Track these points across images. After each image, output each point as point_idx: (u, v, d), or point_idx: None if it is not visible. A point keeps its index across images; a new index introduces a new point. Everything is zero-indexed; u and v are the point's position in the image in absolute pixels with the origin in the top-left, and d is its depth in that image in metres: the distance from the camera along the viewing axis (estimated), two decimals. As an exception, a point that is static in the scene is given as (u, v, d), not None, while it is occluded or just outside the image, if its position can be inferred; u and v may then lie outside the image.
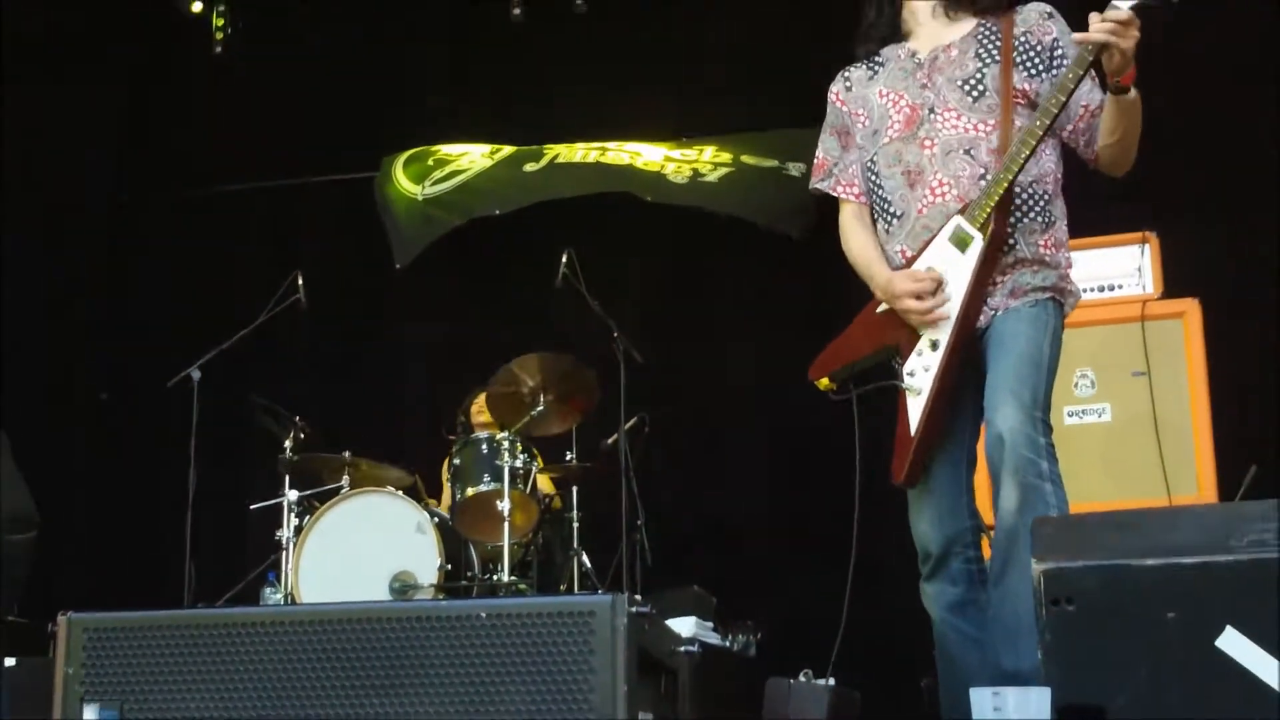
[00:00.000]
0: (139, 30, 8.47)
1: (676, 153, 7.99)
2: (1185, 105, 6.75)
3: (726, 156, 7.91)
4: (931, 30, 3.70)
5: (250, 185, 8.49)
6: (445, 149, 8.42)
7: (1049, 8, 3.62)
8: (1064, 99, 3.36)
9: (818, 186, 3.90)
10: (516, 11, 8.00)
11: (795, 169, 7.63)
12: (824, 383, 3.74)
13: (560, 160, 8.11)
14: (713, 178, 7.82)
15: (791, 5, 7.59)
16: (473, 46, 8.38)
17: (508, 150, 8.28)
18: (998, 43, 3.57)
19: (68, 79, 8.05)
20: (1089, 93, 3.54)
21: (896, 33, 3.79)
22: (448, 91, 8.47)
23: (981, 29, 3.63)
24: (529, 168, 8.14)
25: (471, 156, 8.32)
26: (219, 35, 8.45)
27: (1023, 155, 3.37)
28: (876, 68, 3.79)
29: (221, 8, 8.48)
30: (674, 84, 8.00)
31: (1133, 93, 3.38)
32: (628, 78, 7.99)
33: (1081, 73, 3.33)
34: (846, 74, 3.86)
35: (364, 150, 8.44)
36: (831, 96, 3.87)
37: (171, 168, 8.59)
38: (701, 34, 7.99)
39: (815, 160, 3.91)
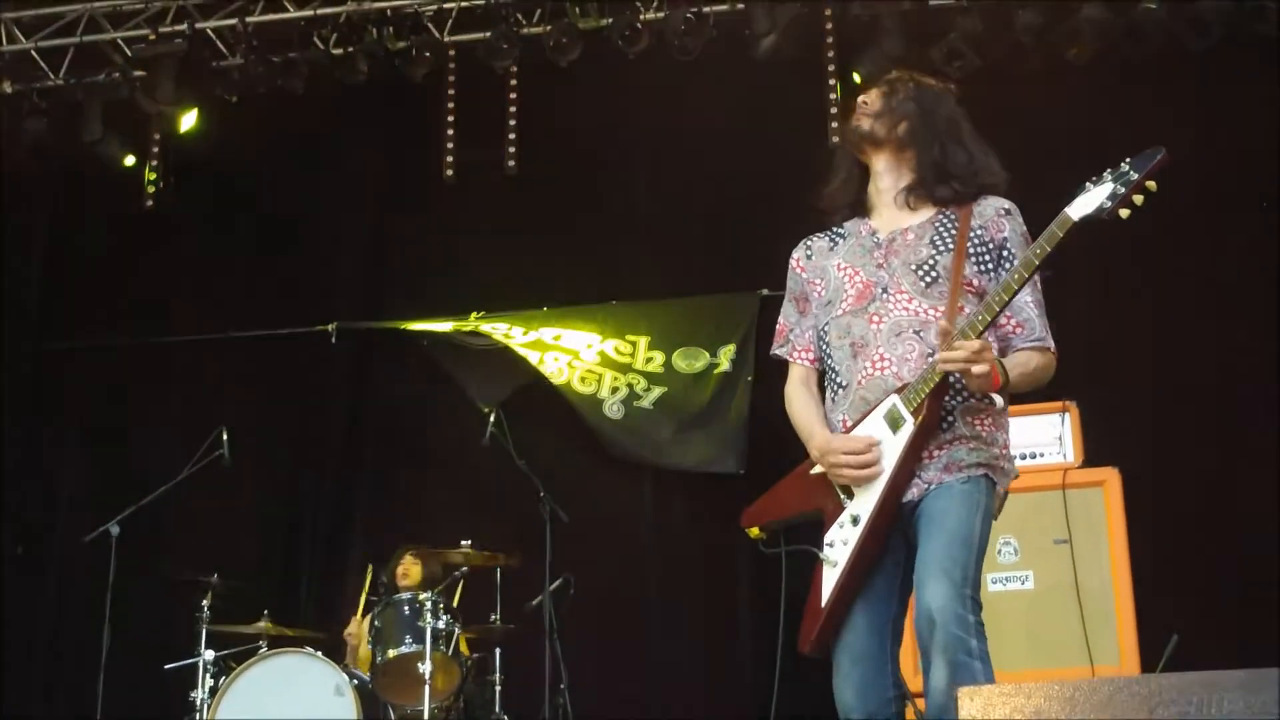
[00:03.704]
0: (56, 183, 8.49)
1: (611, 346, 8.02)
2: (1105, 278, 6.95)
3: (659, 360, 7.93)
4: (893, 212, 3.78)
5: (171, 339, 8.45)
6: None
7: (1006, 205, 3.69)
8: (1007, 299, 3.44)
9: (776, 353, 3.96)
10: (449, 173, 8.10)
11: (726, 358, 7.73)
12: (754, 532, 3.75)
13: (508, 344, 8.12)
14: (647, 402, 7.87)
15: (721, 173, 7.75)
16: (403, 206, 8.45)
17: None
18: (953, 232, 3.65)
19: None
20: (1019, 304, 3.64)
21: (860, 206, 3.88)
22: (377, 251, 8.52)
23: (940, 217, 3.71)
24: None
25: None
26: (150, 189, 8.49)
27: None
28: (838, 239, 3.86)
29: (154, 163, 8.54)
30: (606, 247, 8.11)
31: (1005, 392, 3.53)
32: (557, 239, 8.09)
33: (1027, 275, 3.42)
34: (809, 243, 3.93)
35: (286, 306, 8.43)
36: (792, 263, 3.94)
37: (94, 317, 8.55)
38: (632, 199, 8.12)
39: (777, 326, 3.97)
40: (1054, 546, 5.39)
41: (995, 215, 3.67)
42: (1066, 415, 5.66)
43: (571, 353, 8.00)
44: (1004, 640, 4.95)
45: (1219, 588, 6.30)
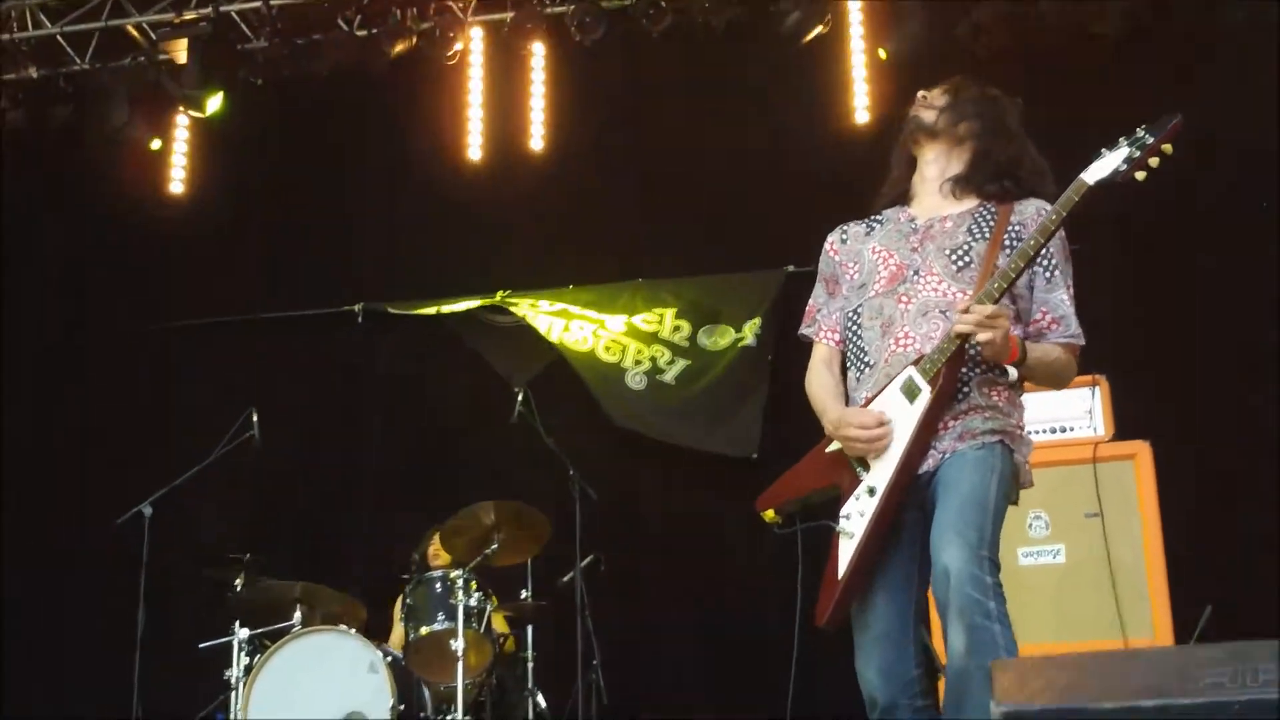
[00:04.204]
0: (91, 164, 8.54)
1: (639, 319, 8.03)
2: (1137, 250, 6.92)
3: (685, 331, 7.94)
4: (934, 200, 3.80)
5: (200, 320, 8.50)
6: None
7: (1048, 207, 3.65)
8: (1023, 265, 3.44)
9: (804, 333, 3.98)
10: (477, 155, 8.12)
11: (751, 331, 7.72)
12: (769, 515, 3.75)
13: (527, 322, 8.13)
14: (669, 376, 7.86)
15: (750, 152, 7.74)
16: (429, 187, 8.46)
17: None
18: (992, 224, 3.67)
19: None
20: (1045, 298, 3.65)
21: (904, 195, 3.89)
22: (403, 232, 8.54)
23: (981, 209, 3.72)
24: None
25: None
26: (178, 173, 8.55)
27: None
28: (875, 225, 3.88)
29: (180, 146, 8.59)
30: (631, 226, 8.11)
31: (1021, 367, 3.53)
32: (584, 218, 8.10)
33: (1044, 241, 3.44)
34: (845, 229, 3.96)
35: (319, 287, 8.47)
36: (826, 245, 3.96)
37: (122, 300, 8.60)
38: (656, 177, 8.12)
39: (807, 306, 3.99)
40: (1085, 520, 5.38)
41: (1035, 214, 3.67)
42: (1097, 389, 5.65)
43: (597, 322, 8.00)
44: (1036, 614, 4.98)
45: (1252, 560, 6.28)
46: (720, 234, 7.94)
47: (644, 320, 7.97)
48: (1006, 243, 3.62)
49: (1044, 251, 3.58)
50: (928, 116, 3.84)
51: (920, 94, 3.90)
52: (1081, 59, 7.25)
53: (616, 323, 7.97)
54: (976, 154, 3.78)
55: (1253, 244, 6.86)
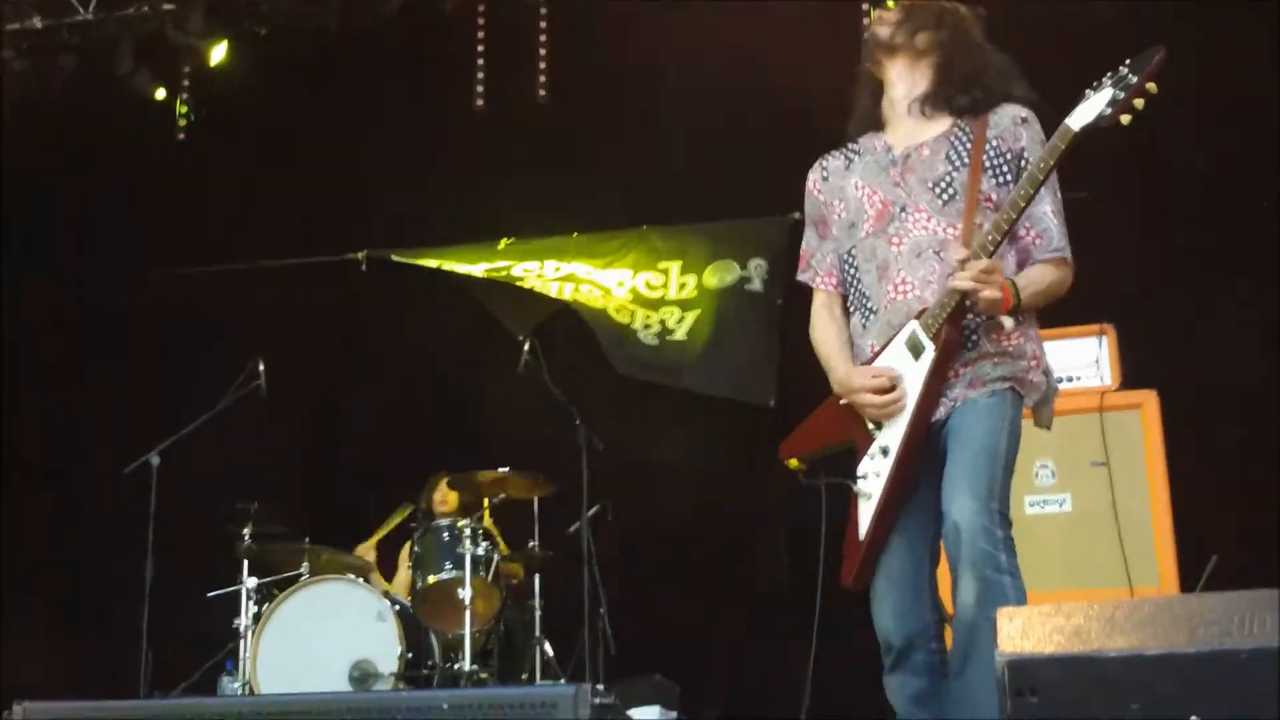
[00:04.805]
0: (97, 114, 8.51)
1: (644, 278, 7.99)
2: (1146, 201, 6.88)
3: (691, 285, 7.91)
4: (908, 125, 3.73)
5: (205, 269, 8.48)
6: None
7: (1024, 113, 3.63)
8: (1015, 216, 3.40)
9: (801, 279, 3.93)
10: (480, 102, 8.07)
11: (757, 273, 7.69)
12: (793, 463, 3.75)
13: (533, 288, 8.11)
14: (680, 333, 7.84)
15: (750, 93, 7.68)
16: (433, 136, 8.43)
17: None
18: (969, 146, 3.61)
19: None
20: (1039, 214, 3.60)
21: (876, 121, 3.84)
22: (409, 183, 8.51)
23: (956, 130, 3.66)
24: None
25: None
26: (182, 122, 8.50)
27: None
28: (853, 157, 3.82)
29: (185, 95, 8.55)
30: (635, 172, 8.08)
31: (1017, 315, 3.48)
32: (588, 166, 8.06)
33: (1033, 191, 3.38)
34: (824, 164, 3.90)
35: (324, 236, 8.45)
36: (809, 186, 3.90)
37: (127, 250, 8.58)
38: (663, 125, 8.07)
39: (800, 251, 3.94)
40: (1092, 469, 5.37)
41: (1011, 125, 3.62)
42: (1104, 338, 5.63)
43: (604, 289, 7.99)
44: (1042, 562, 4.98)
45: (1258, 509, 6.27)
46: (727, 181, 7.90)
47: (648, 285, 7.95)
48: (987, 164, 3.57)
49: (1025, 164, 3.53)
50: (884, 32, 3.76)
51: (875, 13, 3.85)
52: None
53: (622, 292, 7.96)
54: (940, 67, 3.71)
55: (1261, 193, 6.80)
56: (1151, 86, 3.24)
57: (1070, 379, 5.61)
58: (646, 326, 7.88)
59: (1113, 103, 3.26)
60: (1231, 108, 6.72)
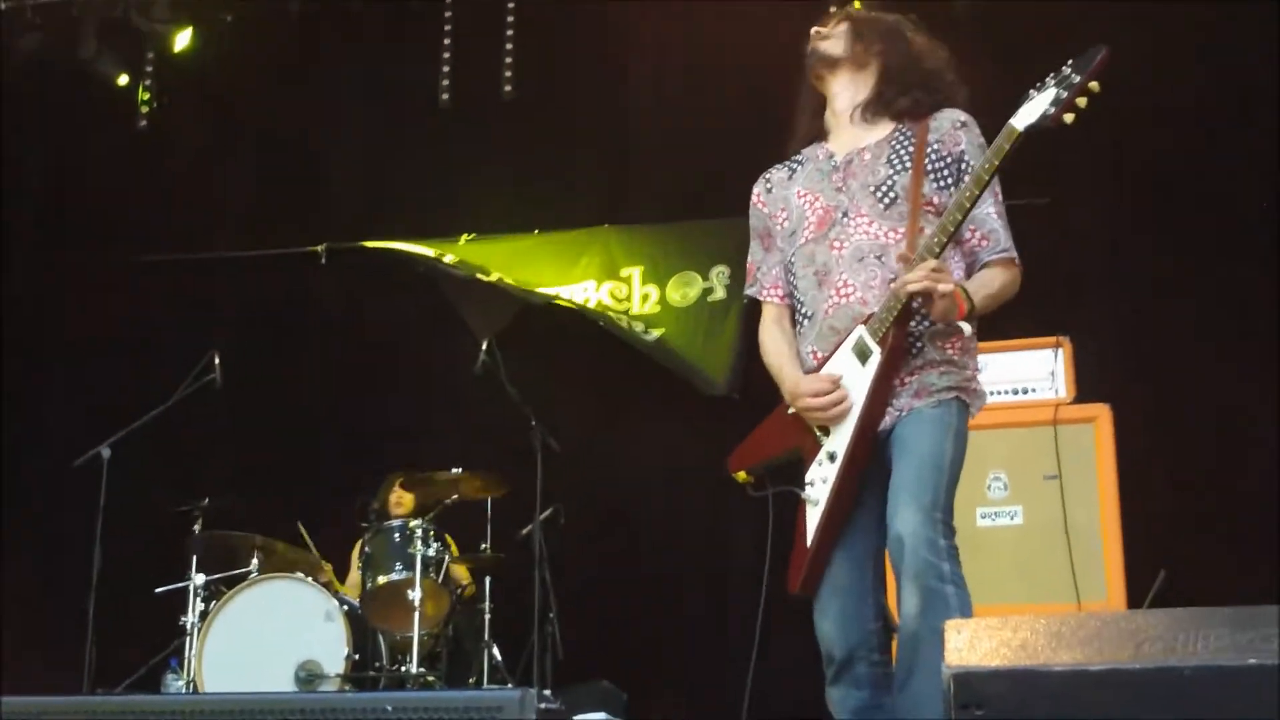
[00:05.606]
0: (57, 98, 8.42)
1: (608, 287, 7.95)
2: (1101, 214, 6.90)
3: (654, 298, 7.87)
4: (850, 133, 3.74)
5: (162, 258, 8.40)
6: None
7: (962, 117, 3.65)
8: (960, 217, 3.40)
9: (748, 293, 3.93)
10: (445, 96, 8.03)
11: (719, 280, 7.69)
12: (741, 476, 3.74)
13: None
14: (649, 341, 7.83)
15: (714, 93, 7.67)
16: (397, 132, 8.38)
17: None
18: (910, 150, 3.61)
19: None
20: (982, 216, 3.60)
21: (821, 135, 3.84)
22: (371, 176, 8.46)
23: (897, 134, 3.66)
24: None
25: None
26: (144, 109, 8.43)
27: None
28: (795, 167, 3.83)
29: (147, 81, 8.47)
30: (598, 170, 8.05)
31: (971, 319, 3.48)
32: (552, 163, 8.03)
33: (978, 192, 3.37)
34: (768, 176, 3.90)
35: (283, 227, 8.39)
36: (754, 199, 3.90)
37: (85, 237, 8.50)
38: (627, 123, 8.05)
39: (746, 265, 3.94)
40: (1044, 482, 5.38)
41: (951, 128, 3.62)
42: (1060, 351, 5.64)
43: (579, 306, 7.95)
44: (993, 575, 4.99)
45: (1208, 526, 6.31)
46: (689, 181, 7.87)
47: (612, 295, 7.91)
48: (929, 168, 3.57)
49: (964, 167, 3.55)
50: (825, 45, 3.78)
51: (814, 29, 3.85)
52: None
53: (589, 303, 7.92)
54: (881, 73, 3.73)
55: (1220, 205, 6.83)
56: (1094, 85, 3.24)
57: (1025, 391, 5.62)
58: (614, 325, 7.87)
59: (1056, 102, 3.26)
60: (1193, 116, 6.75)
